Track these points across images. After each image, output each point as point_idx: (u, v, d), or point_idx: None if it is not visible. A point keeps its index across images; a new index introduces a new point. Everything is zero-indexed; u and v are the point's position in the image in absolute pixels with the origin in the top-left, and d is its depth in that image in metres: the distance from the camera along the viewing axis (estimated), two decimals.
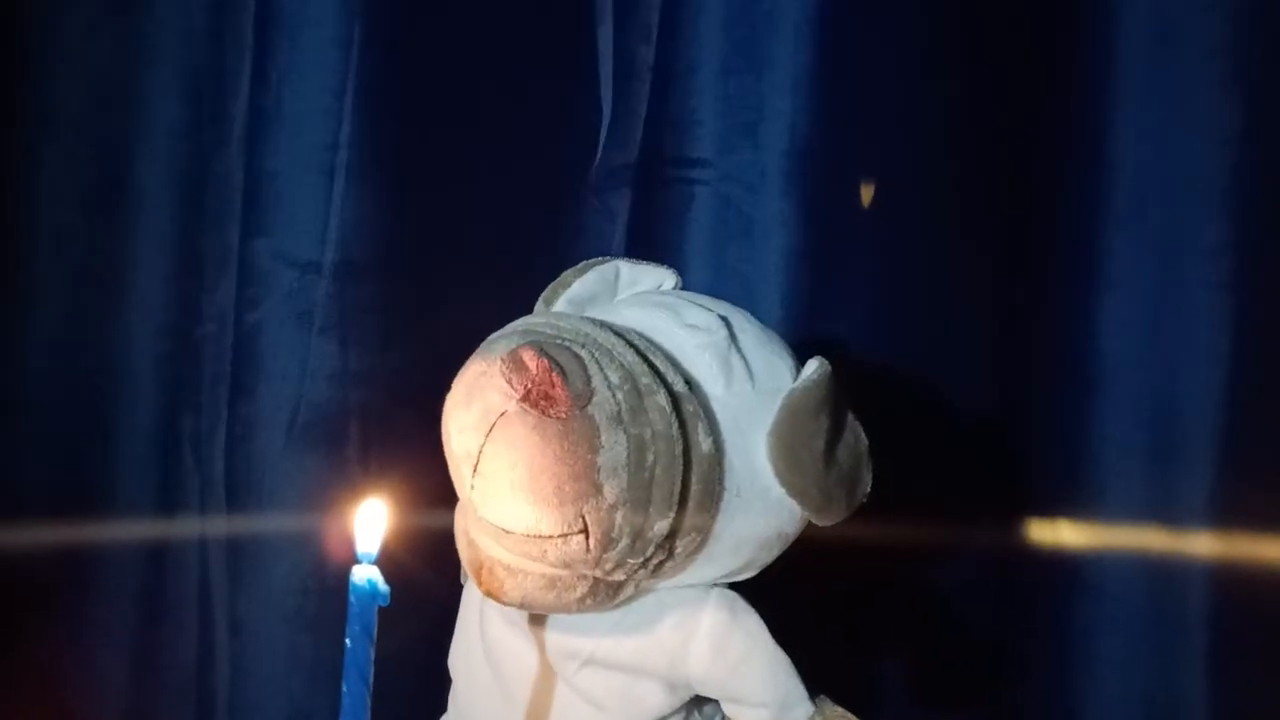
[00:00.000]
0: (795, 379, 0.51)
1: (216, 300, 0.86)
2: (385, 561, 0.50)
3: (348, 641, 0.55)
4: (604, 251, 0.82)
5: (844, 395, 0.51)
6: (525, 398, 0.45)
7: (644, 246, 0.80)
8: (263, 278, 0.81)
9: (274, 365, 0.81)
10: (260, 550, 0.81)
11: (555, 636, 0.54)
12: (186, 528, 0.88)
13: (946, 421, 0.77)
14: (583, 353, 0.46)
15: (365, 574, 0.57)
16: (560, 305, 0.54)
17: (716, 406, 0.49)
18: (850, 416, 0.52)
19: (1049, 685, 0.78)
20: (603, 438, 0.45)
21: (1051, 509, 0.77)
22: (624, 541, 0.46)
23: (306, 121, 0.80)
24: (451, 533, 0.67)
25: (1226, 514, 0.71)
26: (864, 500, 0.53)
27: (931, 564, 0.79)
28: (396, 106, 0.80)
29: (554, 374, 0.45)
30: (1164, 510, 0.73)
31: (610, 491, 0.45)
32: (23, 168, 0.86)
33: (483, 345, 0.50)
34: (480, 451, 0.46)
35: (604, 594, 0.50)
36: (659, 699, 0.53)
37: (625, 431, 0.45)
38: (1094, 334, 0.75)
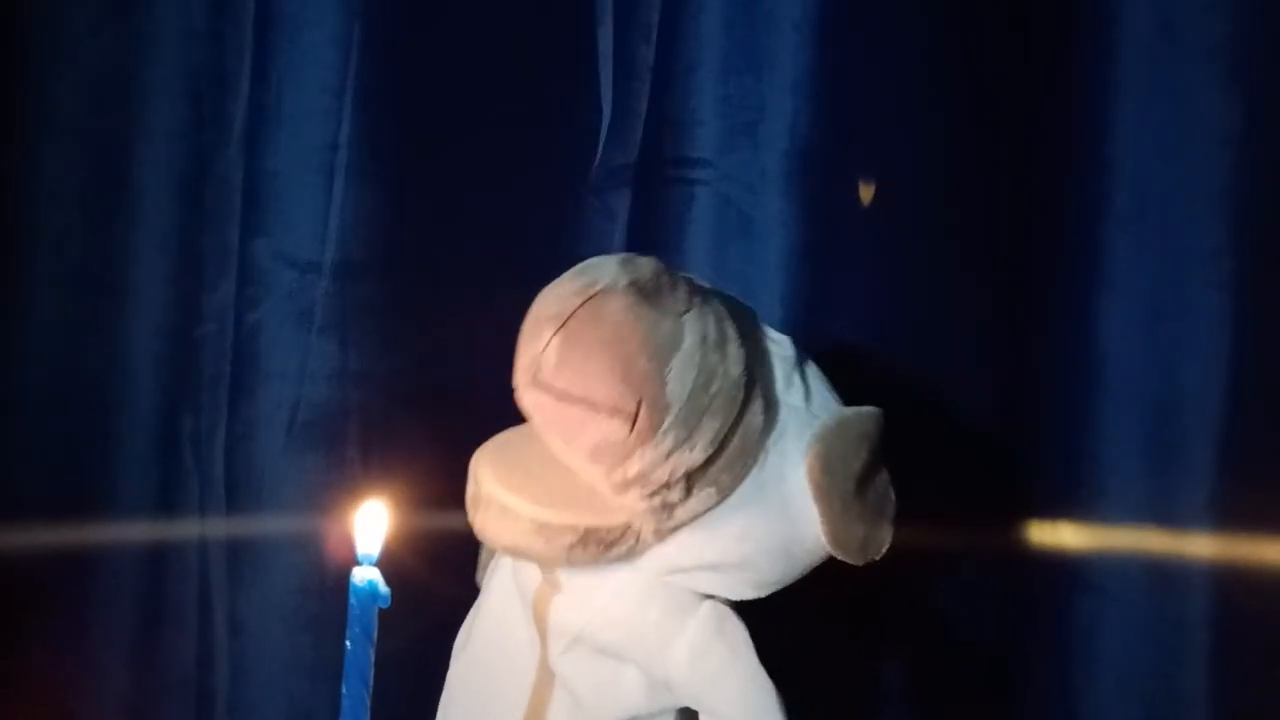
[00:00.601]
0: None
1: (216, 300, 0.86)
2: (386, 563, 0.50)
3: (348, 643, 0.55)
4: (604, 251, 0.82)
5: (883, 453, 0.53)
6: (634, 283, 0.48)
7: (644, 246, 0.80)
8: (263, 278, 0.81)
9: (274, 365, 0.81)
10: (260, 550, 0.81)
11: (549, 611, 0.54)
12: (186, 528, 0.88)
13: (946, 421, 0.77)
14: (691, 286, 0.51)
15: (365, 575, 0.57)
16: None
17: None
18: (886, 475, 0.54)
19: (1049, 685, 0.78)
20: (685, 344, 0.48)
21: (1051, 509, 0.77)
22: (663, 447, 0.48)
23: (306, 121, 0.80)
24: (454, 532, 0.67)
25: (1226, 514, 0.71)
26: (876, 558, 0.53)
27: (931, 564, 0.79)
28: (396, 106, 0.80)
29: (666, 276, 0.49)
30: (1164, 510, 0.73)
31: (672, 392, 0.48)
32: (23, 168, 0.86)
33: None
34: (574, 313, 0.48)
35: (594, 546, 0.50)
36: (638, 697, 0.53)
37: (705, 355, 0.48)
38: (1094, 334, 0.75)
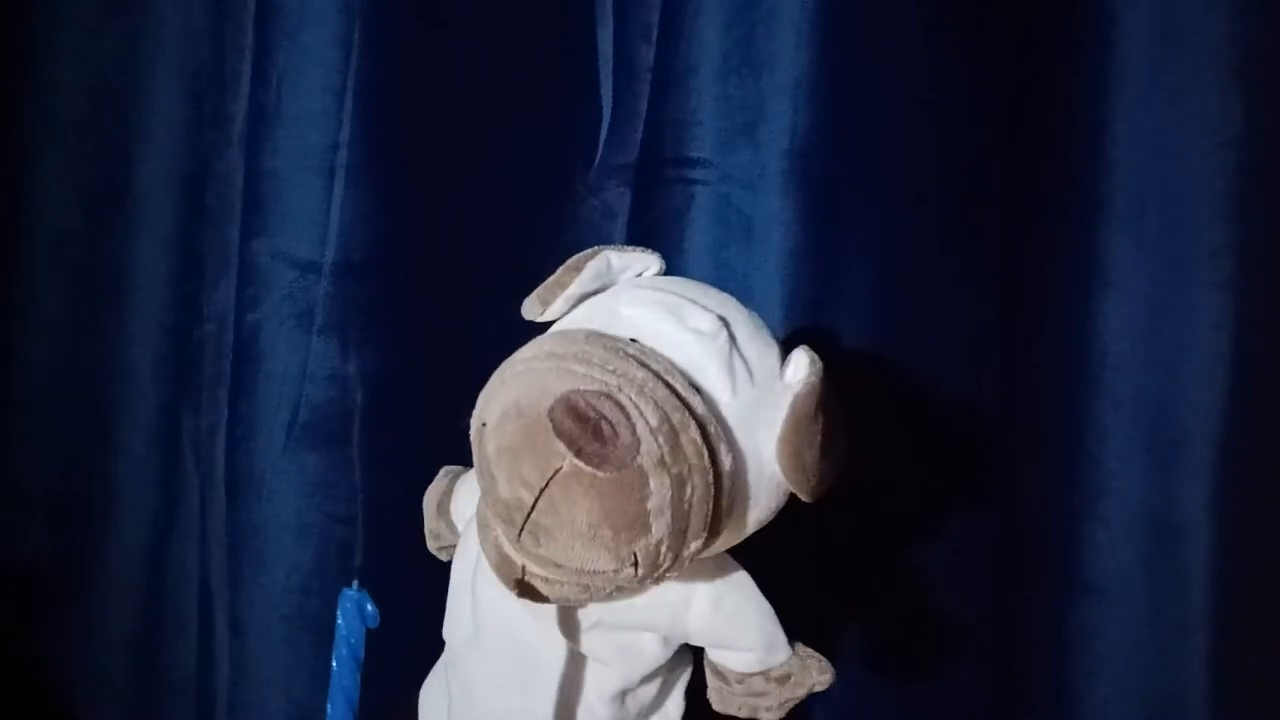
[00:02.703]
0: (780, 362, 0.54)
1: (216, 300, 0.86)
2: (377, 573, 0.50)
3: (334, 663, 0.55)
4: None
5: (831, 399, 0.54)
6: (580, 455, 0.47)
7: (644, 246, 0.80)
8: (263, 278, 0.81)
9: (274, 365, 0.81)
10: (260, 550, 0.81)
11: (562, 609, 0.56)
12: (186, 528, 0.88)
13: (946, 421, 0.77)
14: (621, 397, 0.48)
15: (354, 596, 0.56)
16: (558, 305, 0.55)
17: (725, 413, 0.51)
18: (840, 421, 0.54)
19: (1048, 684, 0.78)
20: (651, 484, 0.47)
21: (1051, 508, 0.77)
22: (666, 563, 0.49)
23: (306, 121, 0.79)
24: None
25: (1226, 514, 0.71)
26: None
27: (930, 564, 0.79)
28: (396, 106, 0.80)
29: (605, 431, 0.47)
30: (1164, 510, 0.73)
31: (657, 529, 0.48)
32: (23, 167, 0.86)
33: (513, 376, 0.50)
34: (534, 505, 0.48)
35: (628, 585, 0.52)
36: (655, 651, 0.58)
37: (668, 473, 0.48)
38: (1094, 334, 0.75)
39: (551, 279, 0.56)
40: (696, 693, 0.61)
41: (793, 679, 0.58)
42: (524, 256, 0.82)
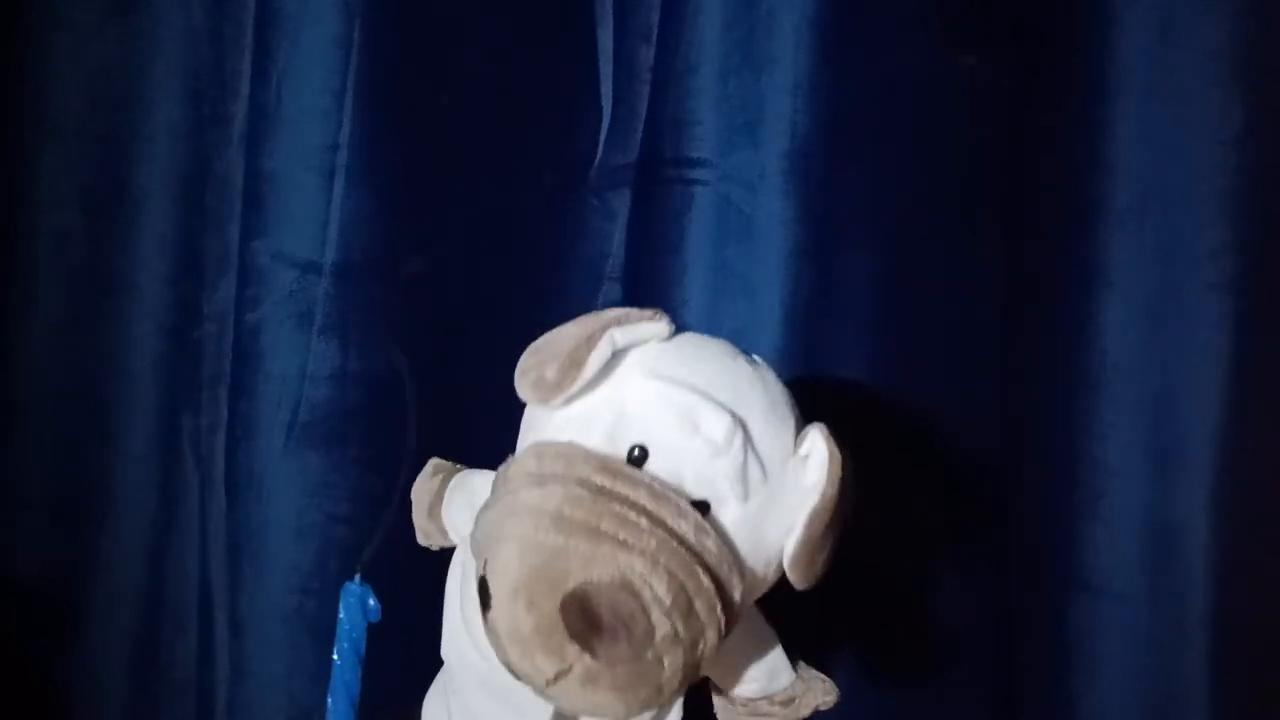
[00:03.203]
0: (795, 434, 0.52)
1: (216, 300, 0.86)
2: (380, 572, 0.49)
3: (335, 658, 0.55)
4: (604, 252, 0.82)
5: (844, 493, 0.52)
6: (594, 657, 0.46)
7: (644, 246, 0.80)
8: (263, 278, 0.81)
9: (274, 365, 0.81)
10: (260, 550, 0.81)
11: None
12: (186, 528, 0.88)
13: (946, 421, 0.77)
14: (635, 579, 0.47)
15: (356, 591, 0.56)
16: (559, 399, 0.51)
17: (735, 527, 0.50)
18: (846, 512, 0.53)
19: (1049, 685, 0.78)
20: (665, 663, 0.47)
21: (1051, 509, 0.77)
22: (671, 700, 0.51)
23: (306, 121, 0.80)
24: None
25: (1226, 514, 0.71)
26: None
27: (930, 564, 0.79)
28: (396, 106, 0.80)
29: (620, 631, 0.46)
30: (1164, 510, 0.73)
31: (669, 688, 0.48)
32: (22, 167, 0.86)
33: (518, 535, 0.48)
34: (549, 690, 0.48)
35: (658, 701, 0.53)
36: None
37: (681, 645, 0.47)
38: (1094, 334, 0.75)
39: (552, 377, 0.51)
40: (699, 699, 0.61)
41: (797, 701, 0.59)
42: (524, 257, 0.82)
